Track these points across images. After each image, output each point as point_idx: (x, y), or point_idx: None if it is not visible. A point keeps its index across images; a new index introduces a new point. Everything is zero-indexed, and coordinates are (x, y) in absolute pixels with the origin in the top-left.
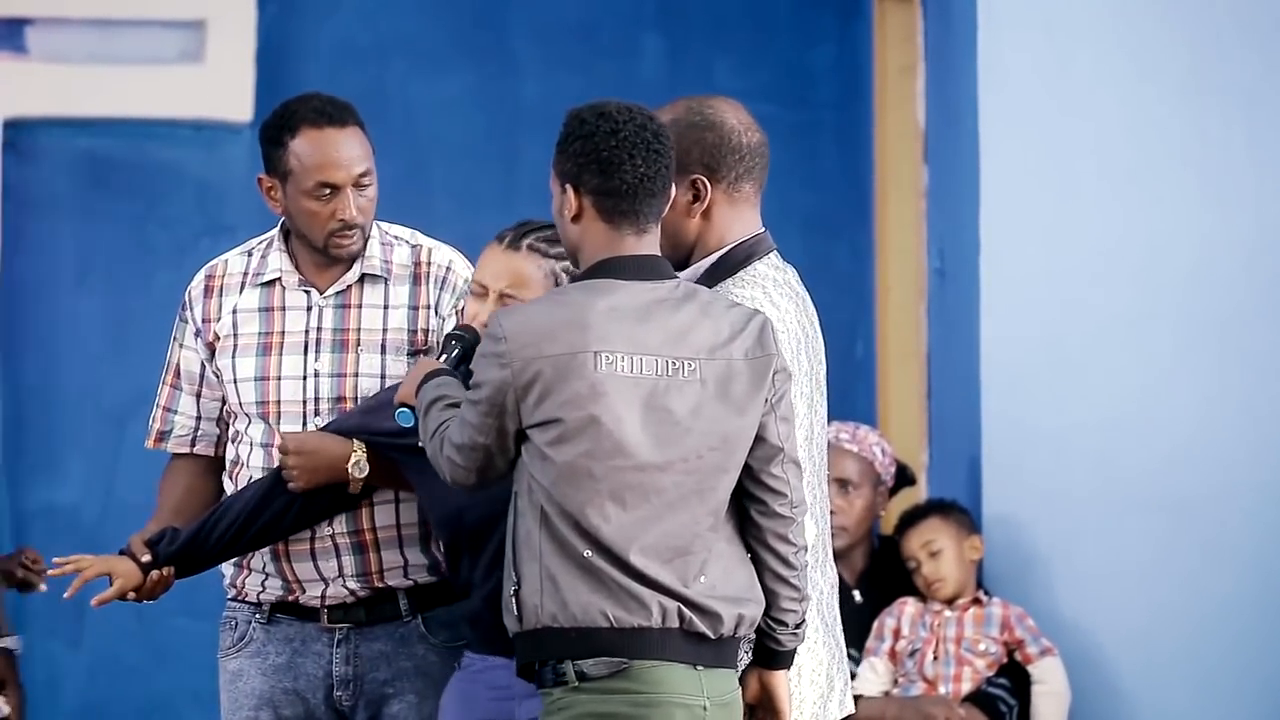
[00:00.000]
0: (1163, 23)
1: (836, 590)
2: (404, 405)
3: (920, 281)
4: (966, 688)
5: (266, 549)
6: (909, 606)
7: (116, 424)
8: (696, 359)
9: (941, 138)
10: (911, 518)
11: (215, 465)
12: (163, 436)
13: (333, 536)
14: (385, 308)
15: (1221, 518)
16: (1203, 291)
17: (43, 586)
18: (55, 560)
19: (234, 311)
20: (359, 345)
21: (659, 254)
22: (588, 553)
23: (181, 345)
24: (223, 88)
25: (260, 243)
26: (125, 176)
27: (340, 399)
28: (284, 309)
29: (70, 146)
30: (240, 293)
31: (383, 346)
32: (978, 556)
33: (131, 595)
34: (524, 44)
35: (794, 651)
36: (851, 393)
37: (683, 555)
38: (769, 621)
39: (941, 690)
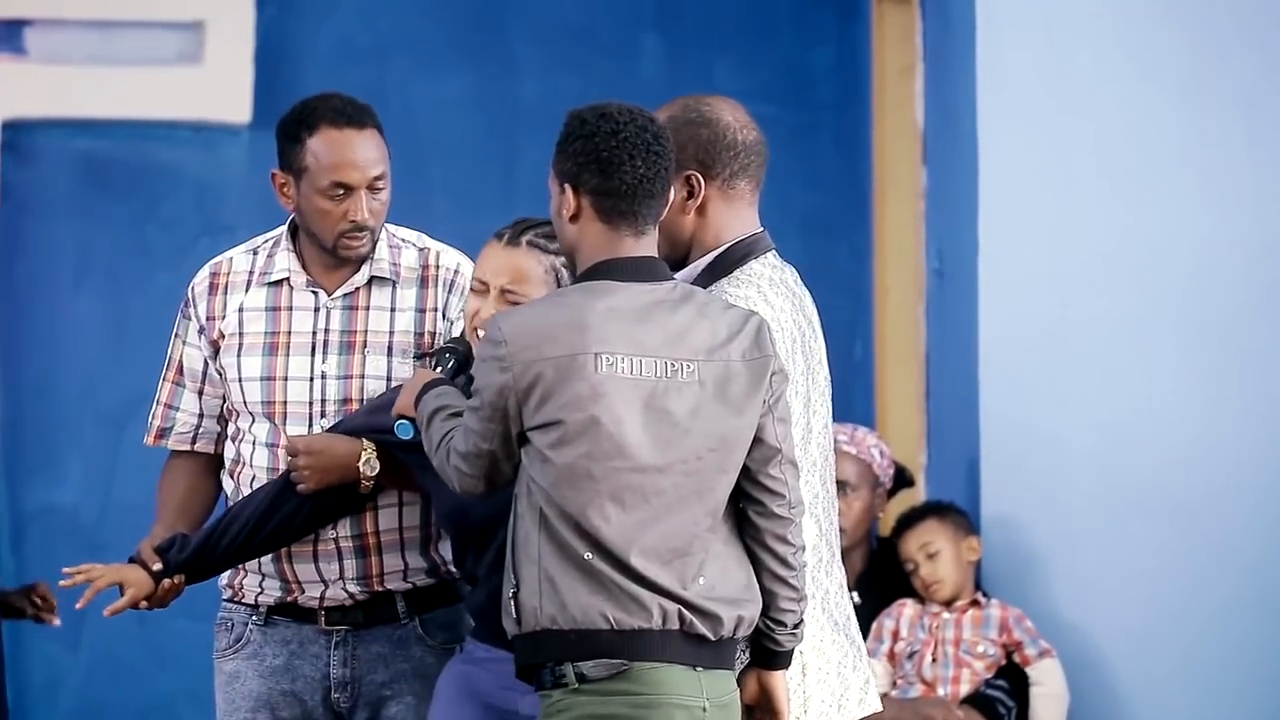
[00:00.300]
0: (1162, 22)
1: (845, 589)
2: (402, 417)
3: (919, 282)
4: (965, 689)
5: None
6: (907, 608)
7: (115, 424)
8: (695, 360)
9: (940, 138)
10: (909, 519)
11: (214, 463)
12: (163, 433)
13: (336, 540)
14: (393, 310)
15: (1222, 520)
16: (1203, 292)
17: (56, 621)
18: (65, 570)
19: (240, 310)
20: (366, 347)
21: (657, 256)
22: (588, 554)
23: (184, 341)
24: (221, 89)
25: (266, 241)
26: (124, 177)
27: (347, 401)
28: (291, 309)
29: (69, 147)
30: (246, 291)
31: (389, 349)
32: (976, 558)
33: (144, 604)
34: (523, 44)
35: (792, 652)
36: (850, 394)
37: (681, 556)
38: (767, 622)
39: (940, 692)
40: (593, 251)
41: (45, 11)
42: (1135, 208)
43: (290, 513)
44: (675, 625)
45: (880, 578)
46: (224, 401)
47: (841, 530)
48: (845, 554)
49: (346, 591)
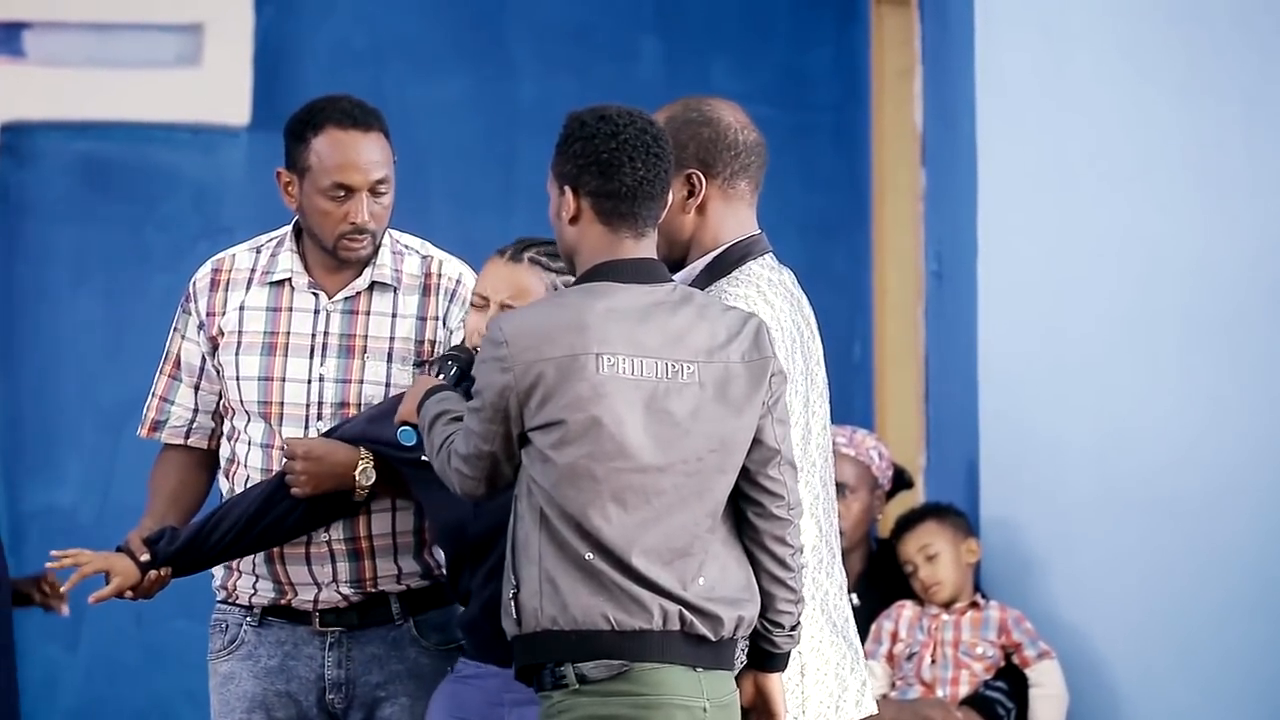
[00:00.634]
0: (1161, 24)
1: (844, 590)
2: (405, 424)
3: (918, 284)
4: (964, 691)
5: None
6: (906, 610)
7: (114, 426)
8: (694, 361)
9: (939, 140)
10: (908, 521)
11: (208, 459)
12: (157, 426)
13: (329, 542)
14: (394, 316)
15: (1222, 520)
16: (1202, 293)
17: (64, 610)
18: (53, 553)
19: (241, 308)
20: (365, 352)
21: (656, 258)
22: (589, 555)
23: (183, 336)
24: (220, 91)
25: (270, 240)
26: (123, 179)
27: (344, 404)
28: (291, 310)
29: (68, 150)
30: (248, 289)
31: (389, 355)
32: (975, 560)
33: (129, 594)
34: (521, 47)
35: (789, 654)
36: (849, 395)
37: (682, 557)
38: (765, 623)
39: (939, 693)
40: (593, 253)
41: (44, 14)
42: (1134, 209)
43: (282, 513)
44: (676, 626)
45: (879, 579)
46: (220, 398)
47: (840, 532)
48: (845, 555)
49: (340, 594)
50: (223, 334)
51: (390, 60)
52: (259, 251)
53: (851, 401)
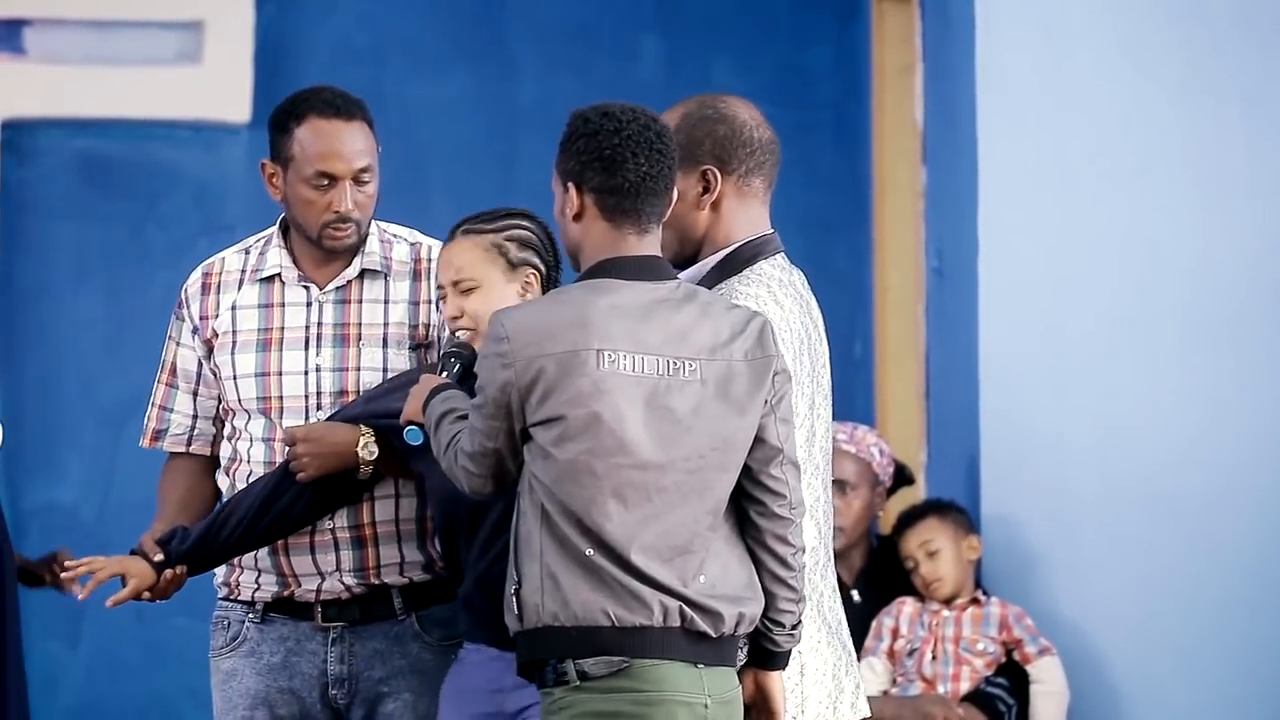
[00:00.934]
0: (1162, 22)
1: (838, 593)
2: (411, 423)
3: (918, 281)
4: (965, 687)
5: None
6: (907, 606)
7: (115, 423)
8: (697, 359)
9: (940, 138)
10: (909, 518)
11: (212, 465)
12: (158, 435)
13: (333, 530)
14: (386, 302)
15: (1222, 519)
16: (1203, 291)
17: (76, 590)
18: (67, 564)
19: (233, 308)
20: (360, 340)
21: (660, 255)
22: (589, 551)
23: (178, 343)
24: (221, 88)
25: (258, 240)
26: (123, 177)
27: (343, 393)
28: (284, 305)
29: (68, 147)
30: (239, 289)
31: (385, 340)
32: (976, 556)
33: (146, 595)
34: (522, 45)
35: (789, 653)
36: (850, 393)
37: (682, 554)
38: (766, 622)
39: (940, 690)
40: (596, 250)
41: (44, 11)
42: (1135, 207)
43: (289, 503)
44: (676, 622)
45: (880, 576)
46: (219, 403)
47: (841, 529)
48: (845, 552)
49: (343, 584)
50: (217, 335)
51: (391, 59)
52: (247, 252)
53: (852, 398)
